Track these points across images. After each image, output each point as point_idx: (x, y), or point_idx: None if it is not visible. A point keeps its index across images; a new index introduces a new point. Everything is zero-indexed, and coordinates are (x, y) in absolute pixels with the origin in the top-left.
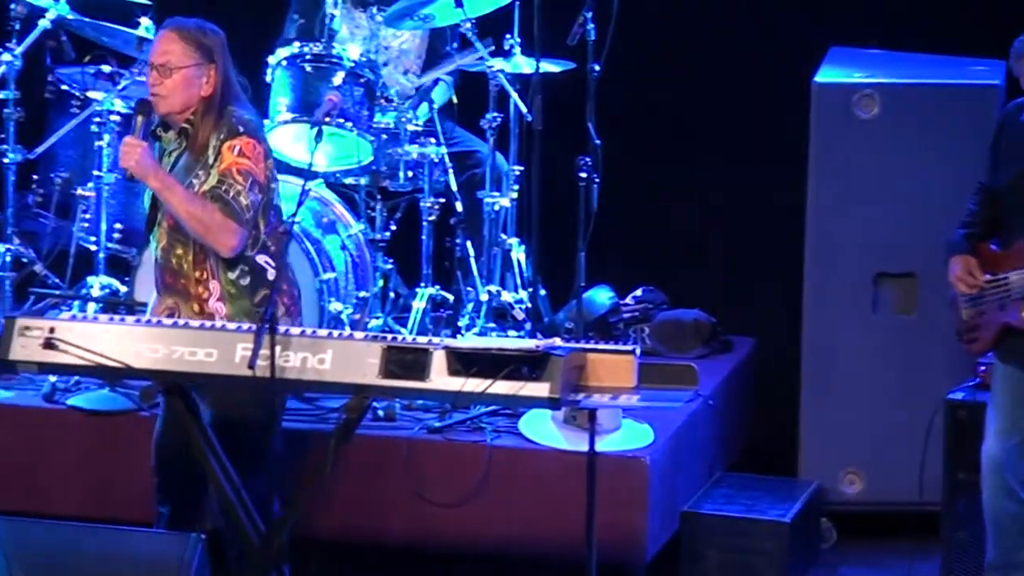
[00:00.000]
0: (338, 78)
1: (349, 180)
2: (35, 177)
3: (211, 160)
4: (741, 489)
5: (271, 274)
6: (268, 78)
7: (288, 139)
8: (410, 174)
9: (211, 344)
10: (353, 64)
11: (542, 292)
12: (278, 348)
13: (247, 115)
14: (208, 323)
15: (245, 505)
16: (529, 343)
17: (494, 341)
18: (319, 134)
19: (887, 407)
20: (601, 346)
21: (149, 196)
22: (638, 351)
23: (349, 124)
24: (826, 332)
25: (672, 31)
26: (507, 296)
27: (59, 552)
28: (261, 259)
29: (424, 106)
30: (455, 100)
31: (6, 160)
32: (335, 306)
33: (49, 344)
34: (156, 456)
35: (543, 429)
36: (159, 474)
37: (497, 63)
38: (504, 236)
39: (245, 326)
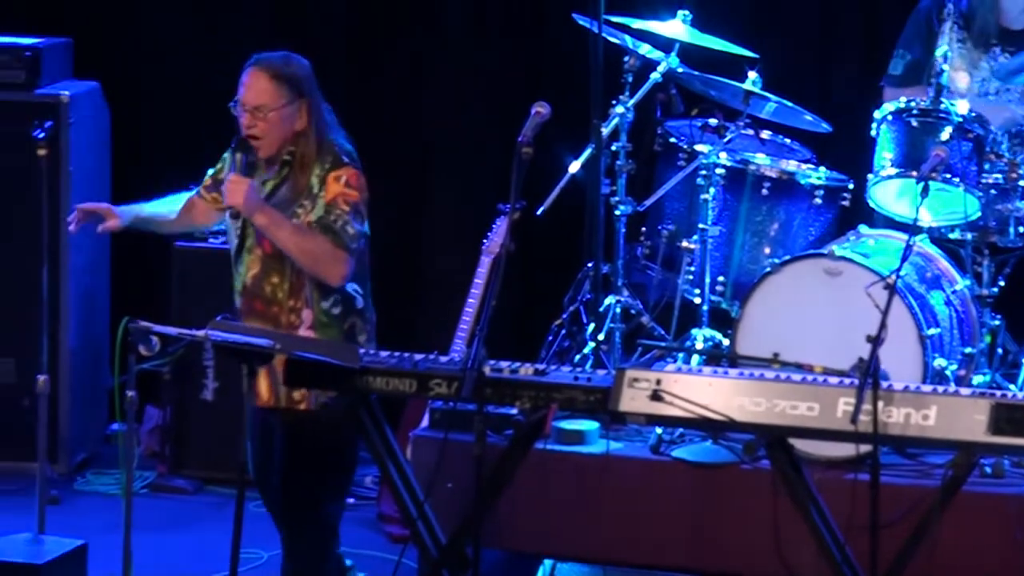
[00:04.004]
0: (945, 133)
1: (954, 235)
2: (643, 229)
3: (316, 190)
4: None
5: (359, 302)
6: (873, 132)
7: (892, 193)
8: (1021, 230)
9: (813, 398)
10: (961, 119)
11: None
12: (880, 403)
13: (348, 146)
14: (810, 377)
15: None
16: None
17: None
18: (925, 189)
19: None
20: None
21: (231, 225)
22: None
23: (956, 179)
24: None
25: None
26: None
27: None
28: (351, 287)
29: None
30: None
31: (618, 212)
32: (939, 362)
33: (656, 396)
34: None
35: None
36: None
37: None
38: None
39: (847, 380)
